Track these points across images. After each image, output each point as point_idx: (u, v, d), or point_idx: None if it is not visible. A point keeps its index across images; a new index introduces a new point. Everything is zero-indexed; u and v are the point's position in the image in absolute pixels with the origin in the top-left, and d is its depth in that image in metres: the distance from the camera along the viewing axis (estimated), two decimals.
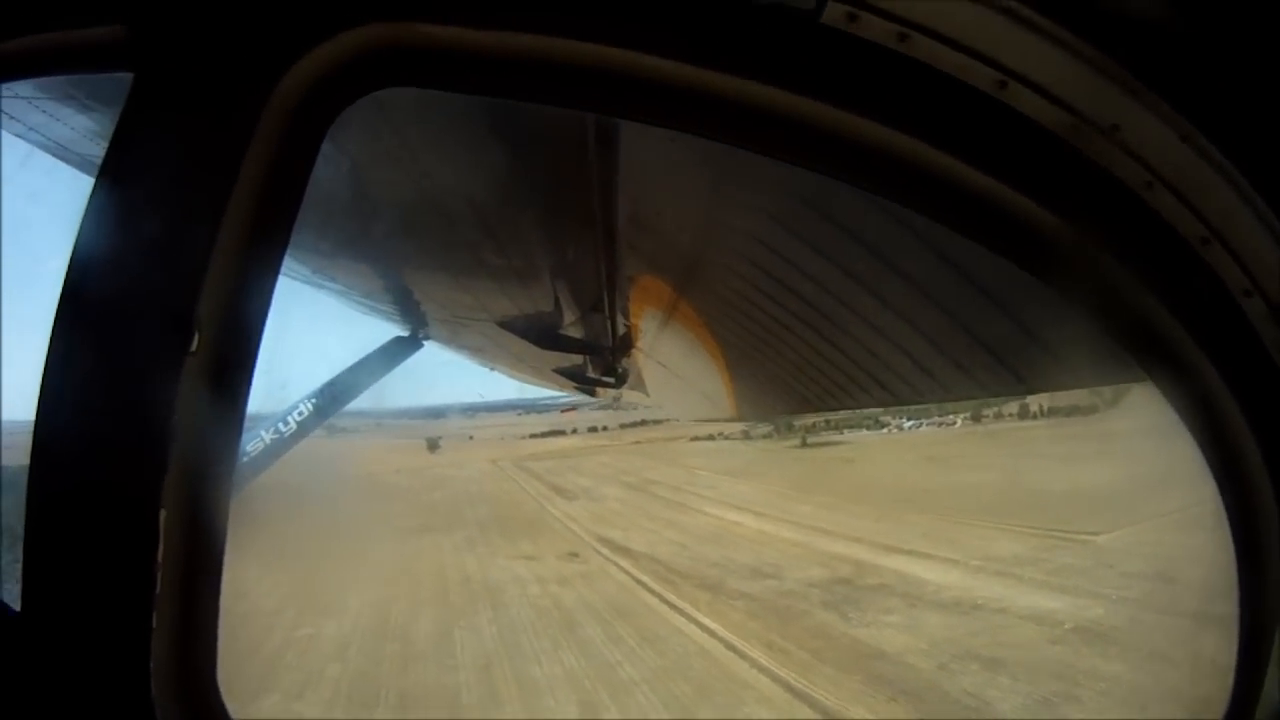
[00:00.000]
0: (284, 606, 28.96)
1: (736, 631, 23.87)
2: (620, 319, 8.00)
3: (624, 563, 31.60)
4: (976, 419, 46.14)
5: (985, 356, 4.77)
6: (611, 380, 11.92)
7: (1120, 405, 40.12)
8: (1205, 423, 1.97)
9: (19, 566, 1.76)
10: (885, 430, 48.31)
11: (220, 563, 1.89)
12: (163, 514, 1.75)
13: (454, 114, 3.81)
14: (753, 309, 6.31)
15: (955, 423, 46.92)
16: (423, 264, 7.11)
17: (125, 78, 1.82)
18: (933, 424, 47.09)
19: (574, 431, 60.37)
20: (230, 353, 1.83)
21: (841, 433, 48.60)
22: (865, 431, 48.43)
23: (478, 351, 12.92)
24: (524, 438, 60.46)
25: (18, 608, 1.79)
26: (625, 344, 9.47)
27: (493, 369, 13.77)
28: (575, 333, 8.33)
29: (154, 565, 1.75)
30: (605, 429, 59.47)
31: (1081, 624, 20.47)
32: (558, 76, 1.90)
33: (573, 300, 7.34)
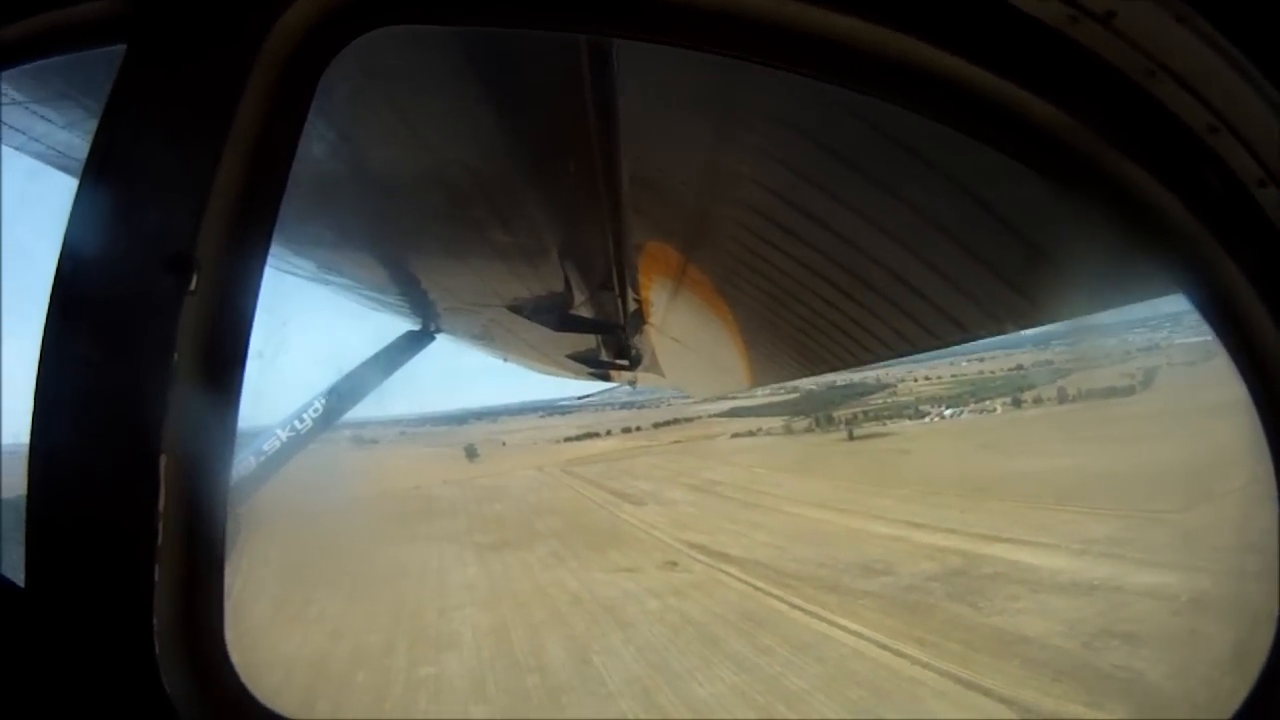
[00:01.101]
0: (392, 643, 27.73)
1: (880, 630, 24.38)
2: (630, 294, 7.84)
3: (730, 569, 31.82)
4: (1017, 404, 47.80)
5: (1003, 288, 4.66)
6: (625, 362, 11.52)
7: (1154, 386, 42.89)
8: (1227, 320, 1.92)
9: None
10: (927, 419, 50.07)
11: (224, 510, 1.84)
12: (163, 459, 1.72)
13: (448, 85, 3.75)
14: (763, 264, 6.11)
15: (996, 409, 48.61)
16: (429, 250, 6.96)
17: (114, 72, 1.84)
18: (973, 412, 49.15)
19: (609, 433, 60.21)
20: (231, 290, 1.81)
21: (884, 424, 50.58)
22: (908, 421, 50.23)
23: (490, 341, 12.11)
24: (558, 441, 60.30)
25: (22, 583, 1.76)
26: (637, 321, 9.32)
27: (506, 359, 13.86)
28: (586, 312, 8.10)
29: (155, 517, 1.72)
30: (639, 429, 59.57)
31: (1195, 595, 21.23)
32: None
33: (582, 277, 7.14)
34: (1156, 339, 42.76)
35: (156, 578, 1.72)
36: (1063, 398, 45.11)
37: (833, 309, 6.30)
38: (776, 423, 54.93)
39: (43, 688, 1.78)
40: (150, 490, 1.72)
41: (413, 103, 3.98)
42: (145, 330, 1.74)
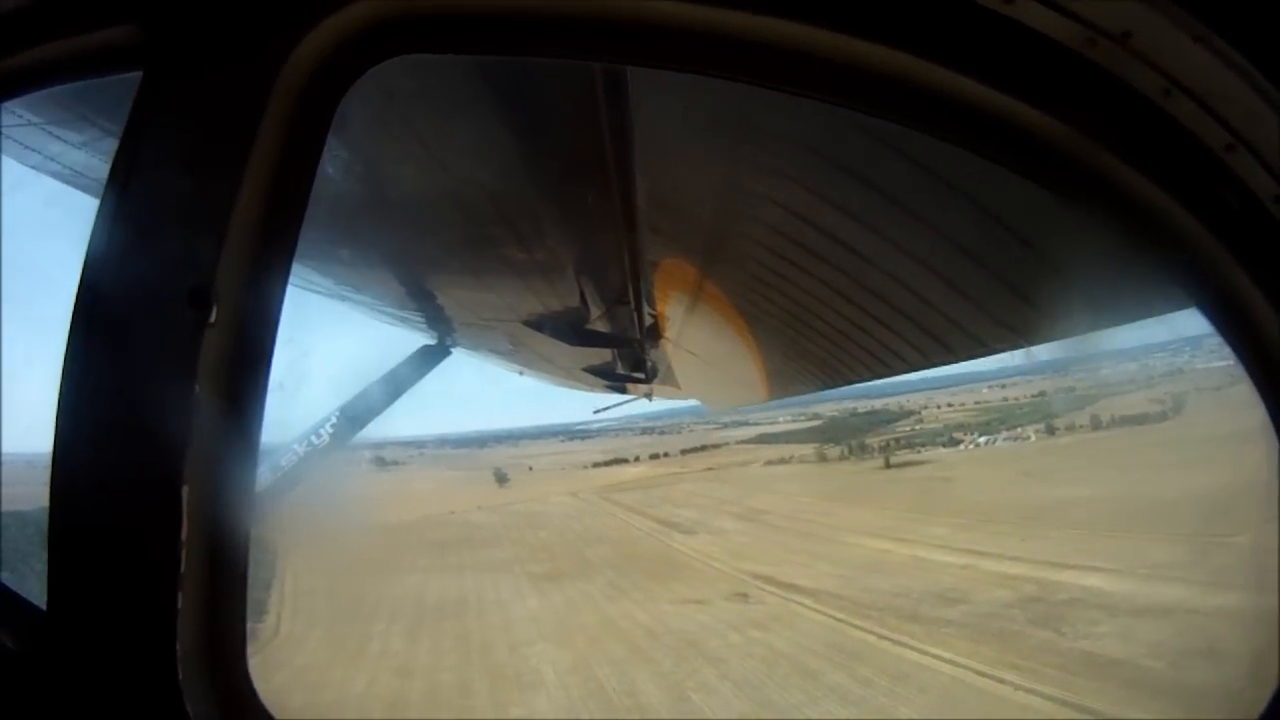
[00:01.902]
0: (468, 682, 27.59)
1: (974, 658, 24.36)
2: (646, 309, 7.86)
3: (803, 600, 31.73)
4: (1050, 431, 47.46)
5: (1019, 303, 4.70)
6: (641, 375, 11.68)
7: (1185, 412, 41.19)
8: (1245, 336, 1.94)
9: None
10: (961, 447, 49.79)
11: (247, 540, 1.85)
12: (185, 490, 1.73)
13: (465, 107, 3.78)
14: (779, 279, 6.12)
15: (1030, 436, 48.39)
16: (445, 266, 6.99)
17: (132, 96, 1.87)
18: (1007, 439, 48.94)
19: (637, 459, 60.11)
20: (251, 323, 1.82)
21: (918, 451, 50.25)
22: (942, 449, 49.93)
23: (506, 355, 12.14)
24: (586, 467, 60.02)
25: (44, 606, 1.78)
26: (653, 335, 9.30)
27: (522, 373, 14.10)
28: (603, 327, 8.12)
29: (178, 545, 1.72)
30: (666, 455, 59.44)
31: (1266, 614, 23.34)
32: (560, 28, 1.92)
33: (597, 292, 7.14)
34: (1178, 363, 43.40)
35: (180, 604, 1.73)
36: (1095, 424, 45.13)
37: (848, 323, 6.36)
38: (807, 450, 55.09)
39: (66, 712, 1.79)
40: (173, 519, 1.73)
41: (428, 122, 4.02)
42: (167, 362, 1.75)
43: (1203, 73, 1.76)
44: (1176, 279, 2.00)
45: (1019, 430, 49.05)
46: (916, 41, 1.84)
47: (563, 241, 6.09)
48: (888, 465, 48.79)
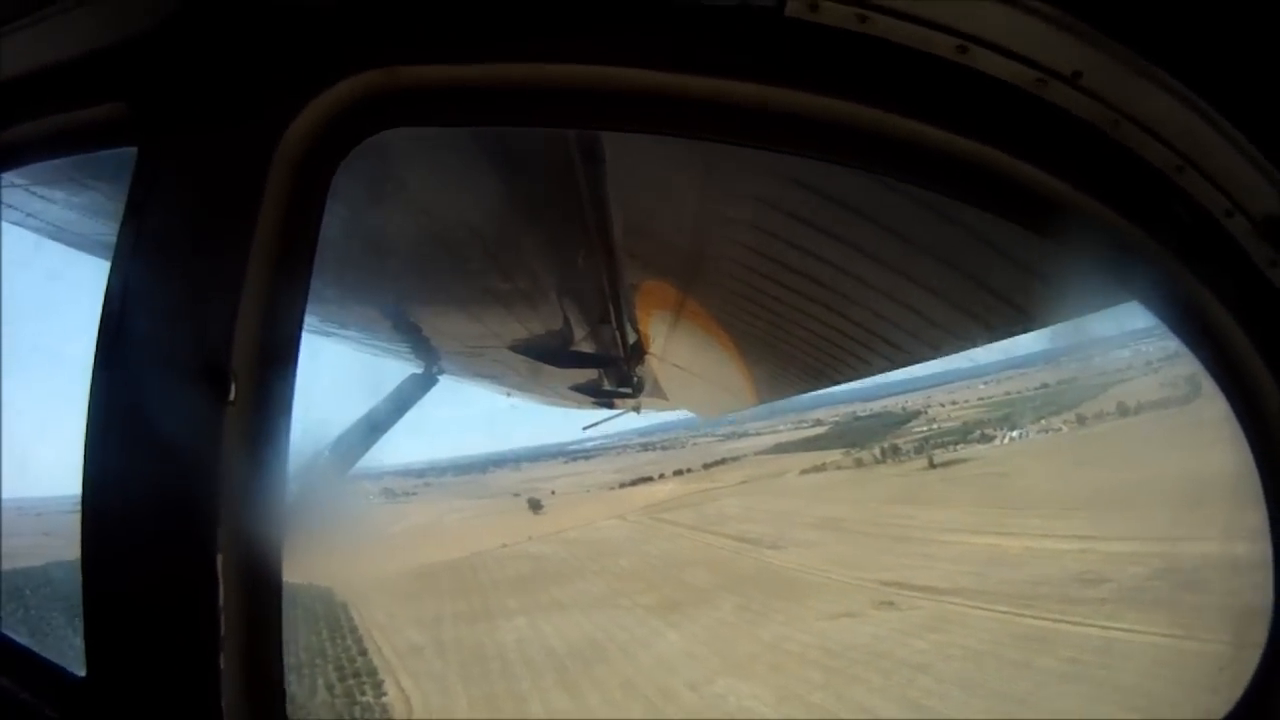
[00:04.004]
0: None
1: (1149, 625, 24.68)
2: (629, 328, 8.14)
3: (953, 600, 31.43)
4: (1081, 421, 47.09)
5: (990, 299, 4.95)
6: (628, 390, 11.94)
7: (1205, 393, 47.43)
8: (1206, 341, 2.05)
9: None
10: (996, 442, 49.62)
11: (280, 600, 1.93)
12: (220, 559, 1.80)
13: (443, 147, 4.03)
14: (758, 294, 6.42)
15: (1061, 428, 48.13)
16: (430, 299, 7.21)
17: (124, 154, 1.95)
18: (1038, 431, 48.77)
19: (661, 477, 59.24)
20: (267, 396, 1.90)
21: (955, 449, 49.93)
22: (979, 446, 49.61)
23: (492, 379, 12.44)
24: (612, 488, 58.05)
25: (82, 673, 1.85)
26: (637, 352, 9.56)
27: (510, 394, 15.21)
28: (587, 347, 8.44)
29: (217, 610, 1.80)
30: (690, 471, 58.87)
31: None
32: (543, 99, 2.02)
33: (581, 315, 7.44)
34: (1173, 346, 46.73)
35: (222, 665, 1.81)
36: (1123, 411, 44.93)
37: (829, 328, 6.60)
38: (835, 456, 55.11)
39: None
40: (210, 587, 1.80)
41: (409, 165, 4.18)
42: (190, 438, 1.82)
43: (1150, 103, 1.88)
44: (1134, 293, 2.13)
45: (1045, 422, 49.28)
46: (876, 94, 1.95)
47: (544, 270, 6.30)
48: (932, 465, 48.92)
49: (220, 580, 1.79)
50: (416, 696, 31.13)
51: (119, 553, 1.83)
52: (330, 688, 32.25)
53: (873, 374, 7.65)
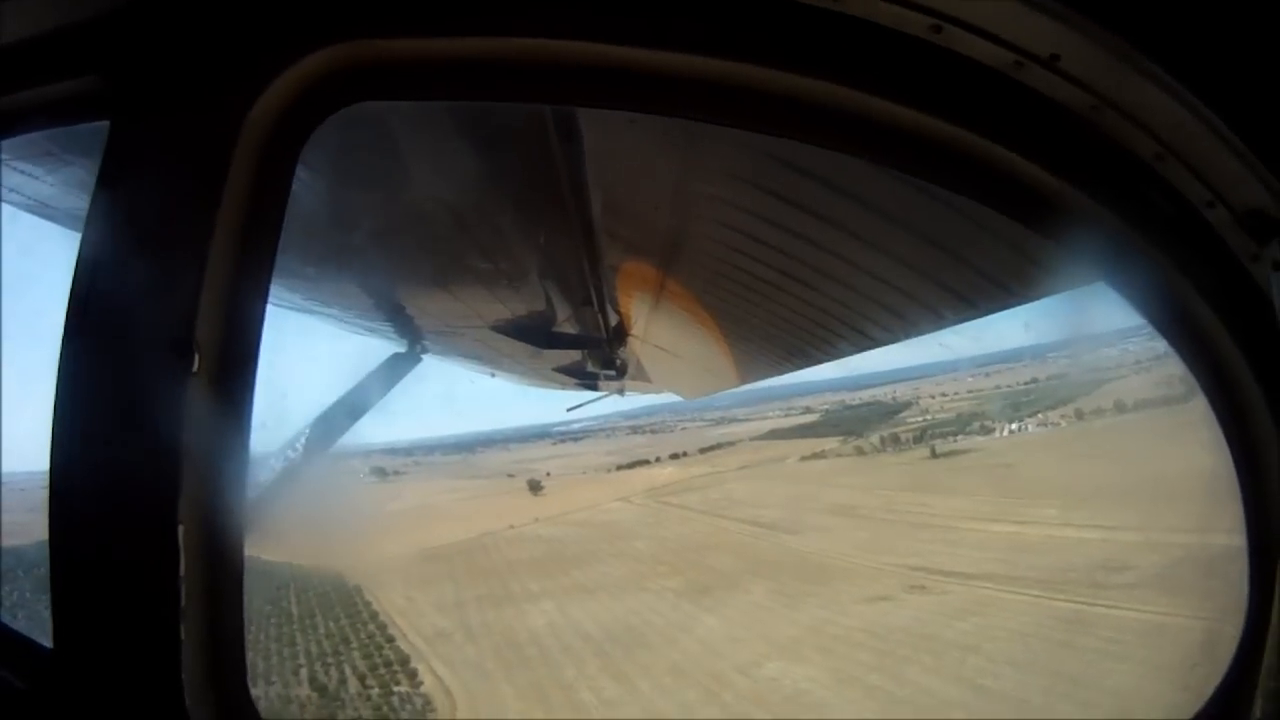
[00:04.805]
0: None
1: (1182, 606, 23.92)
2: (611, 310, 8.15)
3: (984, 585, 31.67)
4: (1080, 417, 47.67)
5: (971, 276, 4.91)
6: (612, 372, 12.14)
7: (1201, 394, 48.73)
8: (1185, 333, 2.03)
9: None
10: (995, 434, 49.98)
11: (241, 572, 1.96)
12: (181, 530, 1.81)
13: (420, 124, 4.03)
14: (739, 274, 6.38)
15: (1060, 423, 48.59)
16: (411, 277, 7.16)
17: (100, 128, 1.96)
18: (1037, 425, 49.44)
19: (658, 460, 58.75)
20: (231, 368, 1.90)
21: (956, 439, 50.26)
22: (978, 438, 50.00)
23: (476, 359, 12.32)
24: (609, 470, 57.08)
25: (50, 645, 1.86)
26: (620, 334, 9.64)
27: (494, 375, 15.61)
28: (570, 329, 8.47)
29: (177, 581, 1.81)
30: (686, 454, 58.39)
31: None
32: (513, 74, 2.02)
33: (562, 297, 7.46)
34: (1160, 346, 48.38)
35: (183, 636, 1.82)
36: (1120, 408, 45.40)
37: (811, 307, 6.60)
38: (831, 443, 55.34)
39: None
40: (171, 558, 1.81)
41: (385, 142, 4.16)
42: (153, 411, 1.83)
43: (1129, 88, 1.86)
44: (1112, 282, 2.08)
45: (1043, 416, 49.94)
46: (849, 73, 1.95)
47: (524, 251, 6.33)
48: (934, 455, 49.25)
49: (181, 550, 1.81)
50: (455, 685, 29.70)
51: (85, 523, 1.84)
52: (362, 677, 30.33)
53: (855, 353, 7.53)
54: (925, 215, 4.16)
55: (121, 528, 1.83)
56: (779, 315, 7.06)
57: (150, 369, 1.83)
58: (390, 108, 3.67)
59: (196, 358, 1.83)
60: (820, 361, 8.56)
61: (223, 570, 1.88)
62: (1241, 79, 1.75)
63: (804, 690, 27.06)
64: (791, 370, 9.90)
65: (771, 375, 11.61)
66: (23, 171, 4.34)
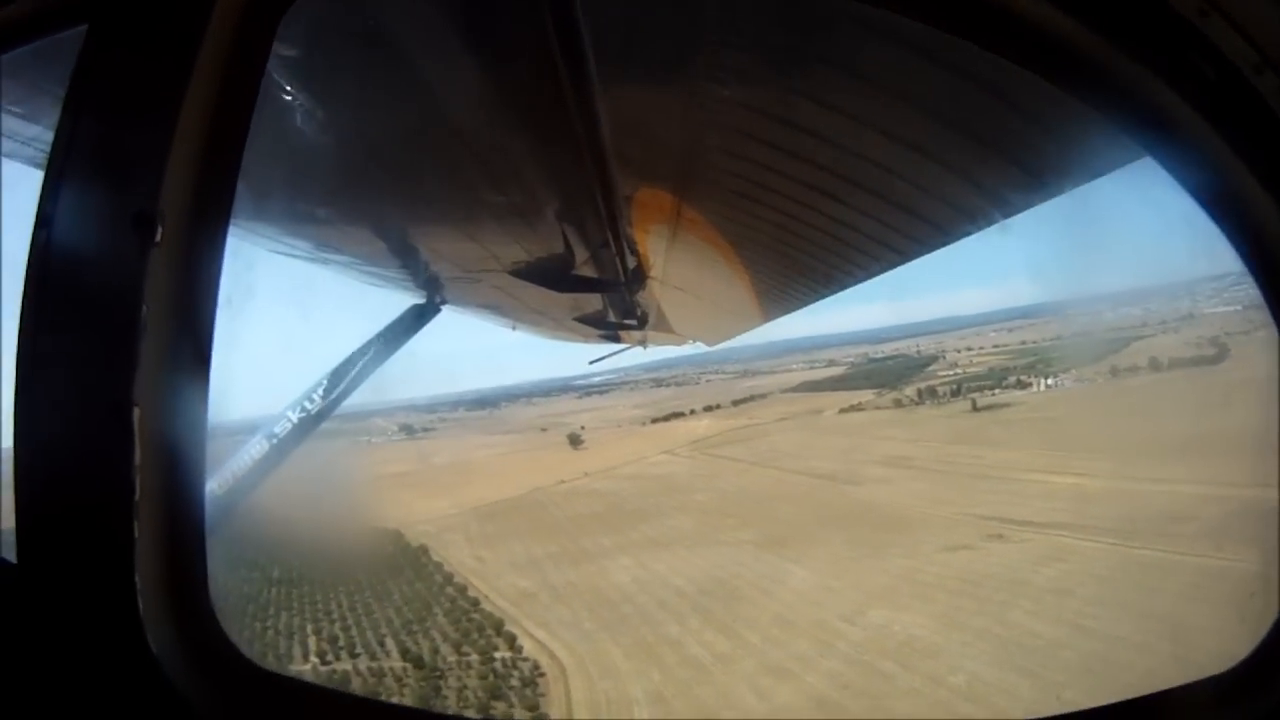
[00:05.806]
0: (874, 666, 25.91)
1: (1249, 555, 27.47)
2: (628, 248, 7.86)
3: (1060, 534, 32.23)
4: (1114, 374, 47.26)
5: (1008, 166, 4.64)
6: (634, 322, 11.90)
7: (1233, 356, 39.37)
8: (1230, 209, 1.85)
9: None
10: (1034, 389, 49.59)
11: (203, 461, 1.87)
12: (136, 412, 1.73)
13: (422, 48, 3.88)
14: (759, 190, 6.01)
15: (1096, 379, 48.16)
16: (424, 218, 6.96)
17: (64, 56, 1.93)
18: (1073, 381, 48.86)
19: (693, 412, 57.71)
20: (195, 242, 1.85)
21: (994, 393, 49.80)
22: (1017, 391, 49.58)
23: (496, 309, 12.00)
24: (644, 423, 56.05)
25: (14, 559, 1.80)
26: (639, 278, 9.34)
27: (515, 327, 15.63)
28: (588, 271, 8.19)
29: (131, 469, 1.73)
30: (719, 407, 57.51)
31: None
32: None
33: (579, 235, 7.16)
34: (1189, 309, 44.49)
35: (136, 533, 1.73)
36: (1155, 366, 45.11)
37: (836, 222, 6.22)
38: (867, 396, 54.72)
39: (42, 659, 1.81)
40: (125, 442, 1.73)
41: (383, 67, 4.02)
42: (114, 287, 1.78)
43: None
44: (1153, 152, 1.96)
45: (1078, 372, 49.17)
46: None
47: (536, 180, 6.06)
48: (975, 409, 49.08)
49: (136, 435, 1.73)
50: (558, 648, 28.79)
51: (45, 413, 1.78)
52: (456, 645, 29.12)
53: (886, 270, 7.29)
54: (953, 102, 3.89)
55: (78, 410, 1.76)
56: (804, 235, 6.72)
57: (114, 243, 1.77)
58: (392, 24, 3.53)
59: (159, 229, 1.78)
60: (850, 284, 8.25)
61: (181, 457, 1.78)
62: None
63: (917, 636, 27.21)
64: (819, 299, 9.67)
65: (799, 307, 11.36)
66: (13, 114, 4.05)
